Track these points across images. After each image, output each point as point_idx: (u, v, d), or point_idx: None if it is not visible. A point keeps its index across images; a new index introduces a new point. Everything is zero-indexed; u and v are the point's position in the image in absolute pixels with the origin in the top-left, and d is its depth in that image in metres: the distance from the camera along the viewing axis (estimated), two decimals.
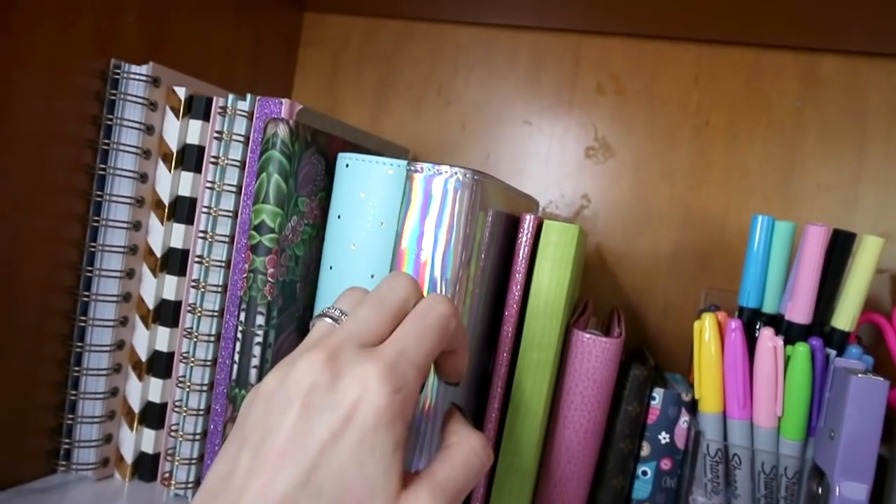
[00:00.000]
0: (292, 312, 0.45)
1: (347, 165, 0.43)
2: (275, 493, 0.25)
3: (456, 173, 0.37)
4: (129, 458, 0.47)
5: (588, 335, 0.42)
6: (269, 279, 0.42)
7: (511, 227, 0.43)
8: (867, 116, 0.61)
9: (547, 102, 0.67)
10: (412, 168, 0.38)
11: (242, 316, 0.42)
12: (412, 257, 0.37)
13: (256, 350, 0.42)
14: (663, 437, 0.46)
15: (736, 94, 0.63)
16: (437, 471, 0.28)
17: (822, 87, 0.61)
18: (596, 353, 0.42)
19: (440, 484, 0.28)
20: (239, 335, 0.42)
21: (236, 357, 0.42)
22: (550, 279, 0.41)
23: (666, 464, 0.46)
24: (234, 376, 0.42)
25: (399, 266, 0.38)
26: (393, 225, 0.42)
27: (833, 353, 0.45)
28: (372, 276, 0.42)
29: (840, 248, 0.46)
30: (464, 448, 0.30)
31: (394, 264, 0.38)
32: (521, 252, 0.42)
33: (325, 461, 0.26)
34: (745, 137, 0.63)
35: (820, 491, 0.43)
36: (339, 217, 0.44)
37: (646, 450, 0.46)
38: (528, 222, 0.42)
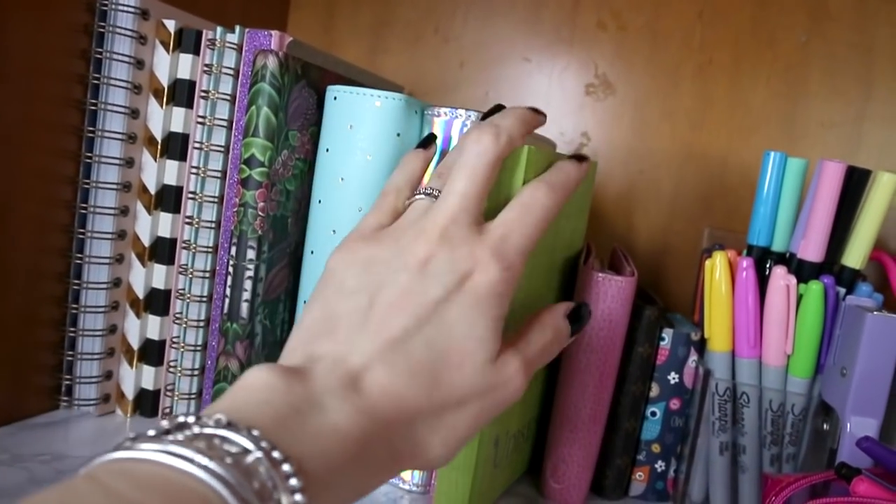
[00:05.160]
0: (284, 247, 0.40)
1: (335, 98, 0.38)
2: (387, 334, 0.24)
3: (471, 115, 0.36)
4: (129, 394, 0.43)
5: (602, 275, 0.37)
6: (260, 213, 0.37)
7: None
8: (874, 51, 0.54)
9: (547, 39, 0.61)
10: (432, 112, 0.37)
11: (233, 250, 0.37)
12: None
13: (248, 284, 0.37)
14: (672, 378, 0.41)
15: (741, 30, 0.57)
16: (524, 342, 0.28)
17: (829, 21, 0.55)
18: (611, 292, 0.37)
19: (527, 354, 0.27)
20: (230, 269, 0.37)
21: (228, 291, 0.38)
22: None
23: (675, 404, 0.42)
24: (225, 310, 0.38)
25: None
26: (380, 158, 0.37)
27: (843, 291, 0.40)
28: (360, 210, 0.38)
29: (854, 186, 0.41)
30: (551, 322, 0.29)
31: None
32: None
33: (438, 315, 0.25)
34: (748, 75, 0.57)
35: (826, 427, 0.39)
36: (327, 151, 0.39)
37: (655, 390, 0.42)
38: None
